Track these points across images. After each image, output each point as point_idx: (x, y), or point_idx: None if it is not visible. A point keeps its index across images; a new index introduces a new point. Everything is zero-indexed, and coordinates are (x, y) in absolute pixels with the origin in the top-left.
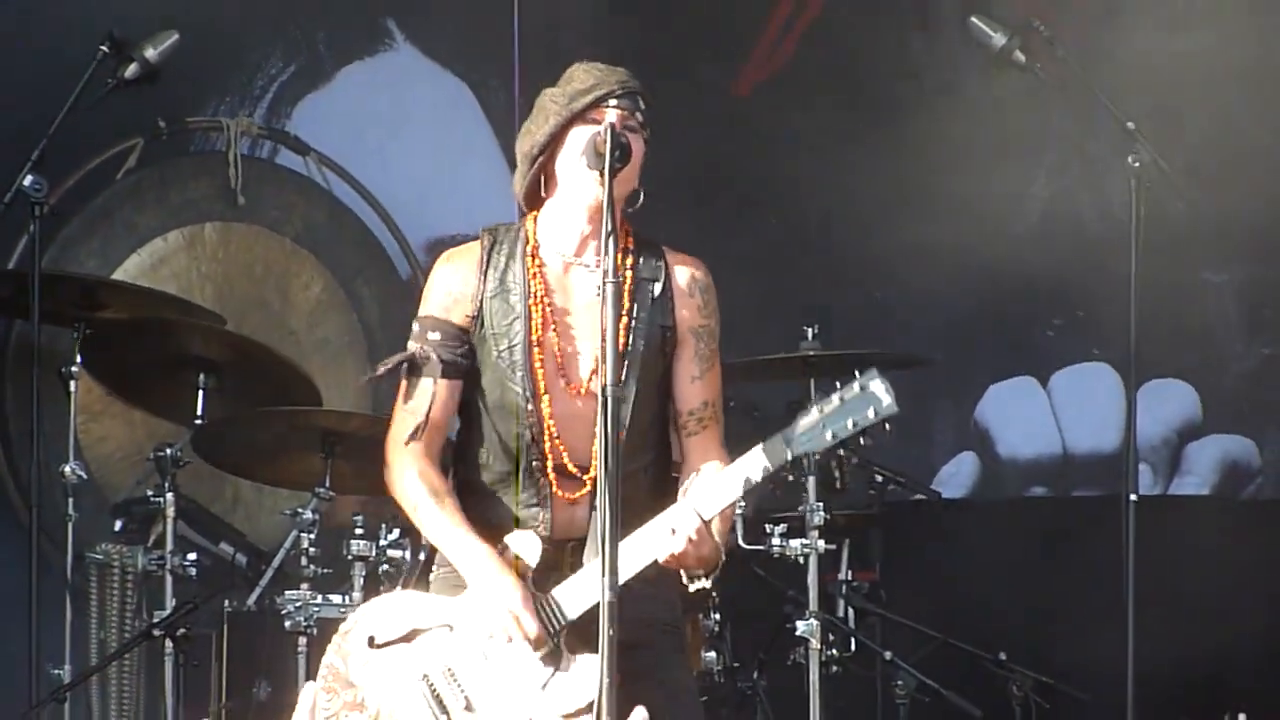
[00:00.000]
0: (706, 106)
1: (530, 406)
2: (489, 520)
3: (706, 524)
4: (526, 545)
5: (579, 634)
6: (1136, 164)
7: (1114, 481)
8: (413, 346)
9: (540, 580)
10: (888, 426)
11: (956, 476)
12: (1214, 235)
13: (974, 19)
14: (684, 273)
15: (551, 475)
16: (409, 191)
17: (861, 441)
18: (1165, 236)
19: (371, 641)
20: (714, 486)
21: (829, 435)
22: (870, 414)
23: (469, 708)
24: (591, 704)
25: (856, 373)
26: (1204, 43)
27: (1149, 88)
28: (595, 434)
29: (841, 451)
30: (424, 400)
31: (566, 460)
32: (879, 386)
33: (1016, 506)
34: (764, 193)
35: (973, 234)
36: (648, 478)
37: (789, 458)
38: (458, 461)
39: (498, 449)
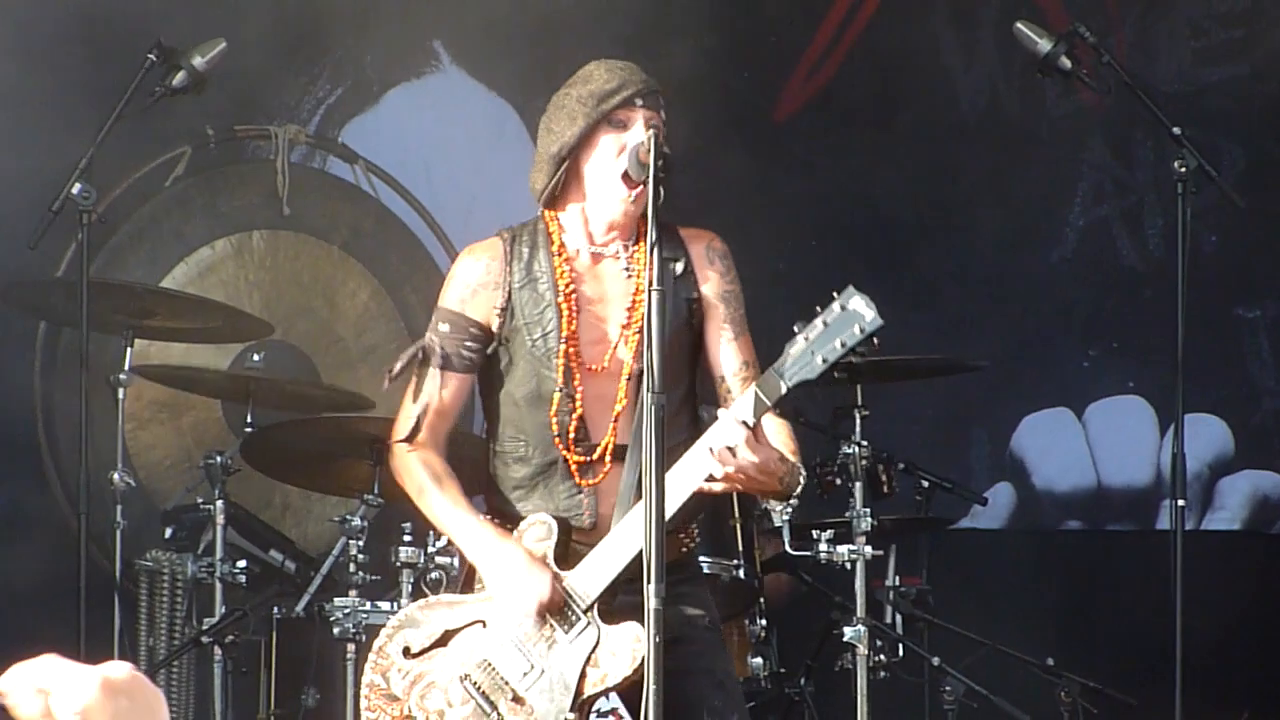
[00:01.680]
0: (747, 130)
1: (566, 395)
2: (532, 514)
3: (753, 431)
4: (542, 531)
5: (609, 605)
6: (1183, 169)
7: (1147, 515)
8: (425, 338)
9: (573, 558)
10: (875, 341)
11: (993, 507)
12: (1246, 271)
13: (1019, 24)
14: (699, 244)
15: (572, 464)
16: (455, 212)
17: (853, 359)
18: (1197, 272)
19: (407, 652)
20: (719, 427)
21: (819, 360)
22: (856, 331)
23: (516, 699)
24: (636, 671)
25: (834, 294)
26: (1237, 74)
27: (1181, 120)
28: (615, 413)
29: (886, 455)
30: (428, 391)
31: (591, 443)
32: (859, 302)
33: (1052, 539)
34: (803, 216)
35: (1009, 262)
36: (676, 457)
37: (784, 390)
38: (494, 459)
39: (538, 439)
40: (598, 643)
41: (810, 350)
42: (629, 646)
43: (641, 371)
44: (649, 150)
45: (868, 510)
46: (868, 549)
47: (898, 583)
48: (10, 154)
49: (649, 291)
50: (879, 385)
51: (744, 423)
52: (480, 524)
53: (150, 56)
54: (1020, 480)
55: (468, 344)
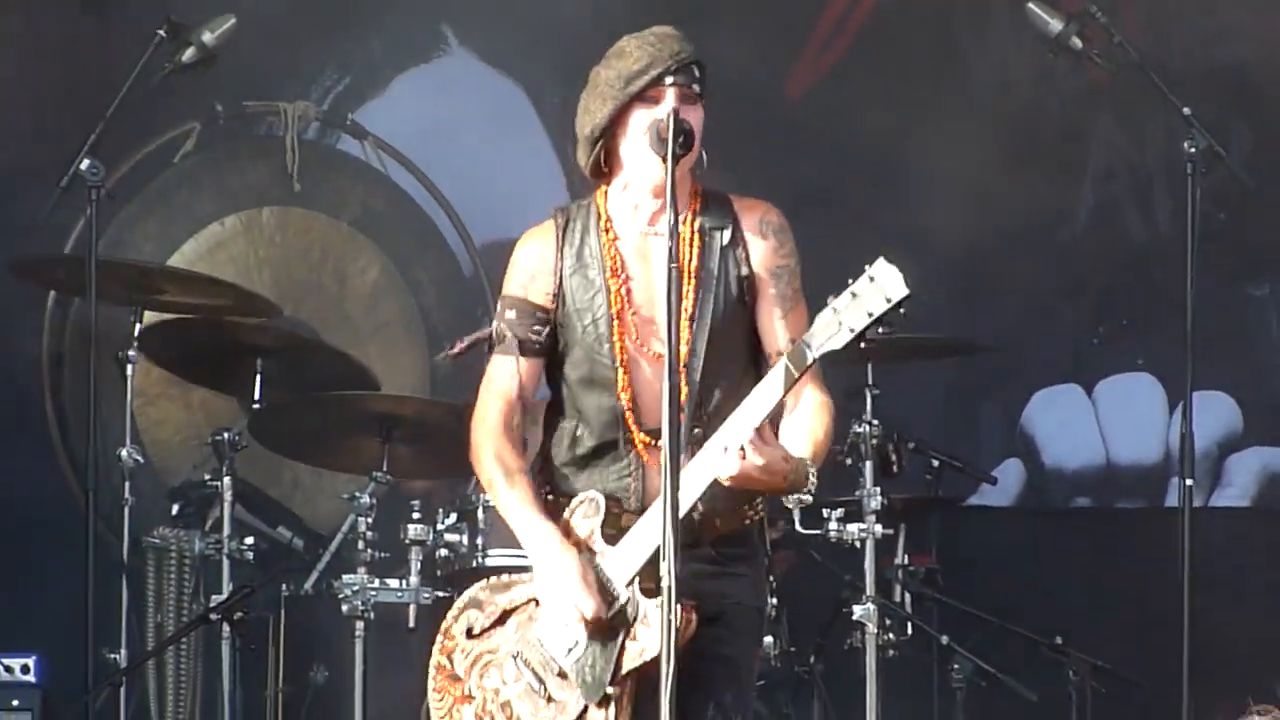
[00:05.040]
0: (759, 107)
1: (619, 378)
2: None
3: (759, 434)
4: (590, 509)
5: (651, 580)
6: (1193, 149)
7: (1156, 493)
8: (494, 325)
9: (618, 534)
10: (903, 311)
11: (1002, 485)
12: (1257, 248)
13: (1031, 4)
14: (753, 216)
15: (640, 446)
16: (466, 194)
17: (880, 331)
18: (1207, 250)
19: (469, 632)
20: (751, 401)
21: (846, 329)
22: (883, 300)
23: (562, 674)
24: (674, 643)
25: (865, 265)
26: (1244, 57)
27: (1190, 99)
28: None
29: (897, 435)
30: (504, 378)
31: (651, 428)
32: (888, 272)
33: (1061, 517)
34: (814, 193)
35: (1019, 240)
36: None
37: (810, 359)
38: (550, 435)
39: (590, 424)
40: (636, 617)
41: (838, 320)
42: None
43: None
44: (668, 126)
45: (878, 489)
46: (877, 528)
47: (907, 562)
48: (18, 132)
49: (668, 268)
50: (890, 364)
51: (750, 426)
52: (542, 525)
53: (159, 33)
54: (1030, 458)
55: (535, 328)
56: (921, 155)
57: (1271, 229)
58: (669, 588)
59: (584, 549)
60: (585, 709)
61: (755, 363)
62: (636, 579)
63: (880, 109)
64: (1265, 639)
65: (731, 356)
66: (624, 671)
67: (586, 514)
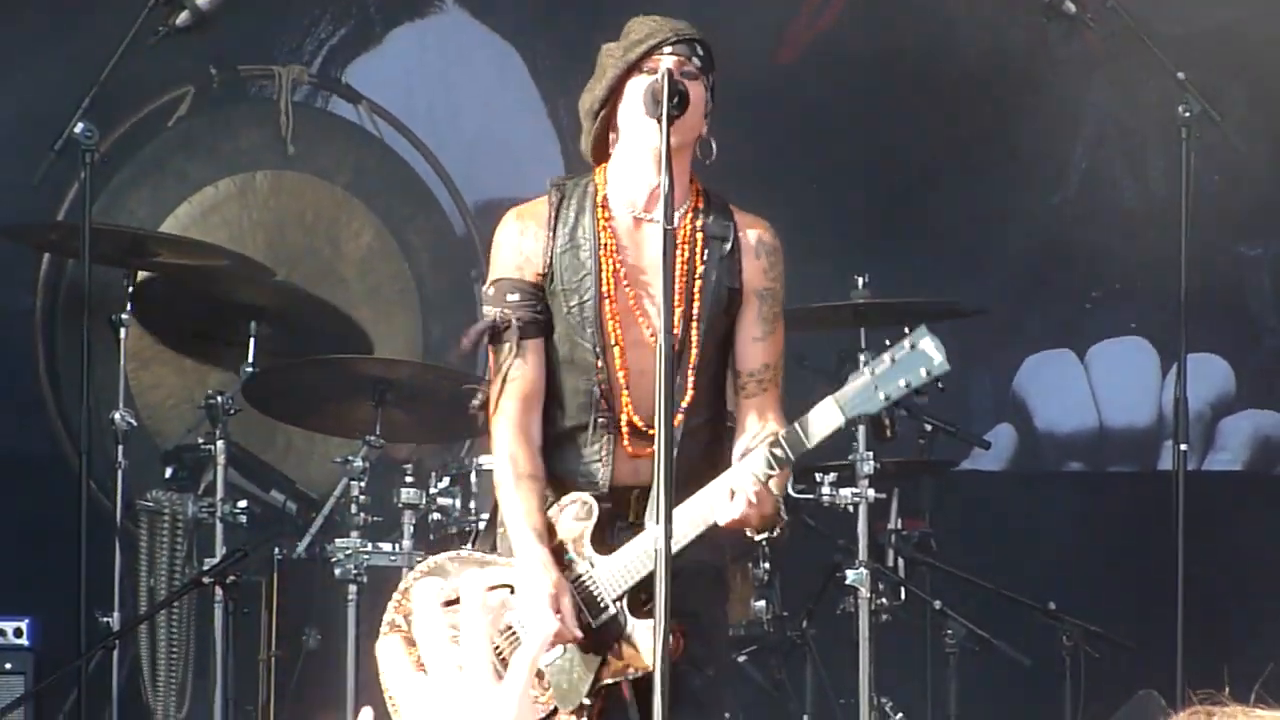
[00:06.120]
0: (747, 74)
1: (600, 362)
2: (556, 473)
3: (765, 484)
4: (581, 512)
5: (640, 593)
6: (1187, 114)
7: (1149, 457)
8: (491, 312)
9: (602, 532)
10: (940, 385)
11: (994, 449)
12: (1250, 209)
13: None
14: (752, 234)
15: (624, 429)
16: (458, 154)
17: (915, 399)
18: (1201, 211)
19: None
20: (770, 450)
21: (882, 396)
22: (923, 373)
23: (536, 673)
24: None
25: (906, 330)
26: (1240, 15)
27: (1184, 61)
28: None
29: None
30: (515, 368)
31: (635, 415)
32: (929, 344)
33: (1054, 481)
34: (804, 160)
35: (1011, 204)
36: (704, 434)
37: (843, 421)
38: None
39: (569, 403)
40: (622, 634)
41: (874, 385)
42: (651, 641)
43: (687, 350)
44: (662, 87)
45: (870, 453)
46: (870, 492)
47: (900, 526)
48: (11, 94)
49: (664, 233)
50: (882, 328)
51: (758, 477)
52: (532, 545)
53: None
54: (1022, 422)
55: (538, 308)
56: (911, 122)
57: (1265, 189)
58: (662, 594)
59: (570, 551)
60: (555, 710)
61: (722, 374)
62: (623, 599)
63: (870, 76)
64: (1258, 603)
65: (710, 360)
66: (602, 684)
67: (578, 515)
